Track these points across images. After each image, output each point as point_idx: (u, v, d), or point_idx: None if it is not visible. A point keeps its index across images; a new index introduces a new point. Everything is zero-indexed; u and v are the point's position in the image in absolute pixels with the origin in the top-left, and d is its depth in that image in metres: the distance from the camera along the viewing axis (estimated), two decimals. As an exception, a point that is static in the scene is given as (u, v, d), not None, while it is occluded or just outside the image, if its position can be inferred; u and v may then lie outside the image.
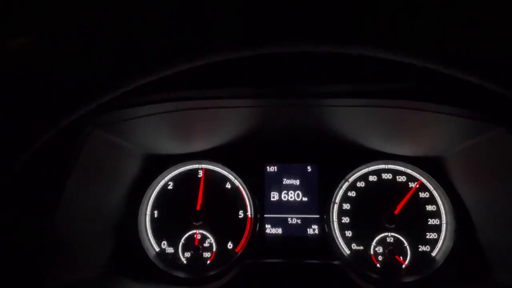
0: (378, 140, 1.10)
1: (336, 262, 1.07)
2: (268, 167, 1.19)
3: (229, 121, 1.03)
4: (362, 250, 1.12)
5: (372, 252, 1.12)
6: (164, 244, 1.16)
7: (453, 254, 1.06)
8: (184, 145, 1.16)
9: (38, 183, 0.85)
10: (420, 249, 1.10)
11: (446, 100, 0.82)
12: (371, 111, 0.93)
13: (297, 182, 1.18)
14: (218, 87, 0.88)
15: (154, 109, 0.89)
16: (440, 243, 1.10)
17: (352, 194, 1.15)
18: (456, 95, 0.82)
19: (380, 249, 1.11)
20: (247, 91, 0.89)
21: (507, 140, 0.81)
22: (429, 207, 1.12)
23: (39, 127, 0.46)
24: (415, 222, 1.12)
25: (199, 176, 1.19)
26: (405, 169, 1.15)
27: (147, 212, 1.17)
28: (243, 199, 1.16)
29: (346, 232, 1.14)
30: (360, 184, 1.15)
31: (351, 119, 0.99)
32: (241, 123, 1.05)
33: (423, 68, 0.43)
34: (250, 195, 1.16)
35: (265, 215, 1.16)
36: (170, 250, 1.15)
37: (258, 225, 1.14)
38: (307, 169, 1.18)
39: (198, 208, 1.15)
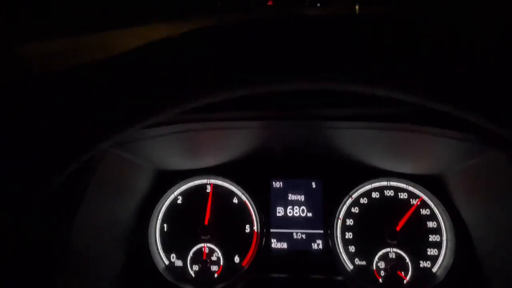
0: (381, 158, 1.14)
1: (339, 278, 1.11)
2: (274, 183, 1.23)
3: (237, 140, 1.08)
4: (365, 265, 1.16)
5: (374, 267, 1.15)
6: (173, 258, 1.19)
7: (453, 270, 1.09)
8: (193, 161, 1.20)
9: (55, 198, 0.89)
10: (421, 265, 1.14)
11: (447, 125, 0.86)
12: (374, 132, 0.97)
13: (302, 197, 1.22)
14: (228, 110, 0.93)
15: (167, 130, 0.93)
16: (440, 259, 1.13)
17: (355, 210, 1.19)
18: (455, 119, 0.86)
19: (382, 265, 1.15)
20: (256, 113, 0.93)
21: (506, 164, 0.85)
22: (430, 224, 1.16)
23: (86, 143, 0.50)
24: (417, 238, 1.15)
25: (207, 191, 1.23)
26: (407, 186, 1.18)
27: (157, 226, 1.20)
28: (250, 214, 1.20)
29: (349, 247, 1.17)
30: (363, 200, 1.19)
31: (355, 139, 1.04)
32: (248, 141, 1.09)
33: None
34: (257, 210, 1.19)
35: (271, 230, 1.19)
36: (178, 263, 1.19)
37: (264, 239, 1.17)
38: (311, 185, 1.22)
39: (206, 222, 1.19)
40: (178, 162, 1.19)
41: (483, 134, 0.84)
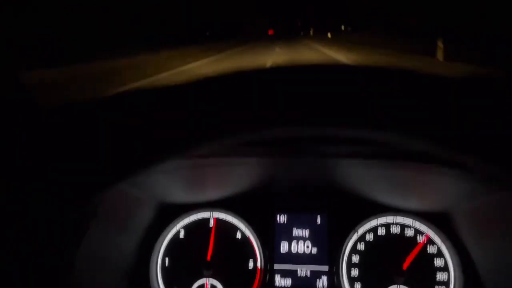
0: (387, 194, 1.13)
1: None
2: (278, 217, 1.21)
3: (241, 175, 1.07)
4: (371, 303, 1.13)
5: (381, 306, 1.12)
6: (174, 293, 1.17)
7: (462, 310, 1.06)
8: (196, 194, 1.19)
9: (59, 230, 0.89)
10: None
11: (454, 165, 0.85)
12: (379, 169, 0.96)
13: (307, 232, 1.20)
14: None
15: (171, 165, 0.93)
16: (449, 298, 1.10)
17: (361, 246, 1.16)
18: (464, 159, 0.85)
19: (389, 303, 1.12)
20: (260, 150, 0.93)
21: None
22: (437, 262, 1.13)
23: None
24: (424, 276, 1.12)
25: (210, 225, 1.21)
26: (413, 223, 1.17)
27: (158, 260, 1.18)
28: (253, 250, 1.18)
29: (355, 284, 1.14)
30: (369, 236, 1.17)
31: (360, 176, 1.04)
32: (252, 176, 1.09)
33: None
34: (261, 246, 1.17)
35: (274, 266, 1.17)
36: (180, 299, 1.16)
37: (267, 276, 1.15)
38: (317, 220, 1.20)
39: (208, 258, 1.16)
40: (181, 196, 1.18)
41: (491, 177, 0.83)
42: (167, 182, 1.07)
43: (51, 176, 0.51)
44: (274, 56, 21.91)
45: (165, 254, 1.19)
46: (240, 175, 1.08)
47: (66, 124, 0.49)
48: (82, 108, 0.51)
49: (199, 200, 1.21)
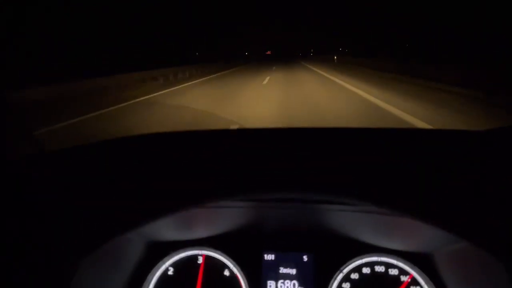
0: (371, 236, 1.16)
1: None
2: (266, 256, 1.23)
3: (229, 216, 1.10)
4: None
5: None
6: (162, 332, 1.18)
7: None
8: (185, 233, 1.21)
9: (49, 270, 0.91)
10: None
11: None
12: (362, 214, 1.00)
13: (294, 271, 1.22)
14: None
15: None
16: (432, 338, 1.12)
17: (346, 285, 1.18)
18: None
19: None
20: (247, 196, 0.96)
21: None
22: (421, 302, 1.15)
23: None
24: None
25: (199, 262, 1.23)
26: (397, 262, 1.19)
27: (147, 299, 1.19)
28: (241, 288, 1.20)
29: (340, 324, 1.16)
30: (354, 276, 1.19)
31: (345, 219, 1.07)
32: (240, 218, 1.11)
33: None
34: (248, 284, 1.19)
35: None
36: (168, 337, 1.17)
37: (254, 316, 1.16)
38: (303, 259, 1.22)
39: (196, 296, 1.18)
40: (170, 234, 1.20)
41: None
42: (157, 223, 1.09)
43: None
44: (272, 73, 23.31)
45: None
46: (229, 217, 1.11)
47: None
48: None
49: (188, 238, 1.23)
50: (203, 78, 21.83)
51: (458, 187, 0.82)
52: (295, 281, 1.21)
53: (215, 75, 25.32)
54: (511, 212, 0.81)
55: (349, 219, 1.08)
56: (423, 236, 1.05)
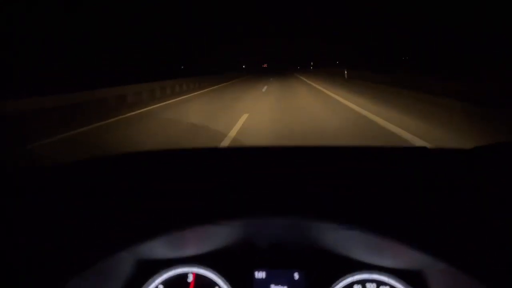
0: (363, 253, 1.15)
1: None
2: (256, 273, 1.22)
3: (219, 233, 1.09)
4: None
5: None
6: None
7: None
8: (175, 251, 1.20)
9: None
10: None
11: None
12: (353, 232, 1.00)
13: (285, 289, 1.21)
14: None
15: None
16: None
17: None
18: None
19: None
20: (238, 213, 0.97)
21: None
22: (413, 320, 1.15)
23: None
24: None
25: (189, 280, 1.21)
26: (389, 280, 1.19)
27: (136, 317, 1.18)
28: (232, 306, 1.18)
29: None
30: (346, 293, 1.18)
31: (336, 236, 1.06)
32: (231, 235, 1.11)
33: None
34: None
35: None
36: None
37: (245, 335, 1.15)
38: (294, 276, 1.21)
39: (186, 314, 1.17)
40: (160, 252, 1.19)
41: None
42: (147, 241, 1.08)
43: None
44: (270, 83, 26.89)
45: None
46: (219, 234, 1.10)
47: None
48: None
49: (179, 255, 1.22)
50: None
51: (439, 211, 0.84)
52: (286, 299, 1.20)
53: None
54: (491, 235, 0.82)
55: (340, 236, 1.07)
56: (412, 254, 1.05)
